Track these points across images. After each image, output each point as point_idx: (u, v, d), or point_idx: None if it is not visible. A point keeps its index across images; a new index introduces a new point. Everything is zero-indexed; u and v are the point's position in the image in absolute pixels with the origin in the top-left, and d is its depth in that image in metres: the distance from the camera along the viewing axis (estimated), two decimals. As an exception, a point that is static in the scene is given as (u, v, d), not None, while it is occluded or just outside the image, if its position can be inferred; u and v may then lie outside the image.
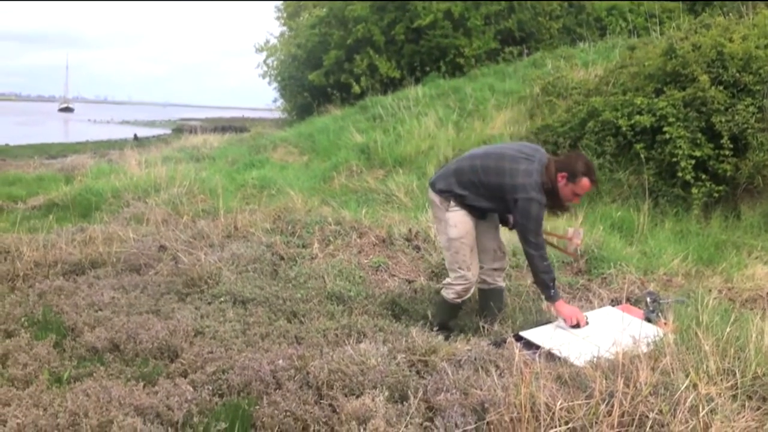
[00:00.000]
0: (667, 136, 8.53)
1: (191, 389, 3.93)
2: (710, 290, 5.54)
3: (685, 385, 3.17)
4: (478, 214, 4.91)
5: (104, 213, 9.68)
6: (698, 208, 8.16)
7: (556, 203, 4.64)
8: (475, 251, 4.94)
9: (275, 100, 33.57)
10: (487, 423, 3.17)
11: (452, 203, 4.84)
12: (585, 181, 4.52)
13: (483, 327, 4.96)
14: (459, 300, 5.02)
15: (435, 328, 4.79)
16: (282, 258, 6.83)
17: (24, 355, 4.58)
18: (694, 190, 8.24)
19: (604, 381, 3.26)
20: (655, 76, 9.82)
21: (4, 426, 3.50)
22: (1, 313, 5.42)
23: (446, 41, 22.71)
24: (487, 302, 5.15)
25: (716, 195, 8.31)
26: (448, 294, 5.02)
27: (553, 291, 4.61)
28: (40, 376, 4.29)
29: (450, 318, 5.18)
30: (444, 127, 14.92)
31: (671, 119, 8.62)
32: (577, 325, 4.55)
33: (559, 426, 3.00)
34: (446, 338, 4.58)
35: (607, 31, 19.97)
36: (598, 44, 17.73)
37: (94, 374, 4.28)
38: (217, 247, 7.11)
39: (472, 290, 5.02)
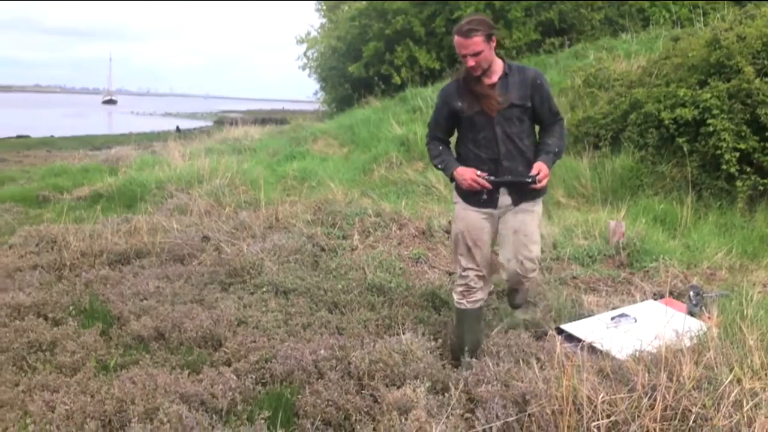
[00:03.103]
0: (711, 128, 8.38)
1: (235, 378, 3.99)
2: (755, 284, 5.46)
3: (729, 379, 3.13)
4: (478, 199, 4.28)
5: (148, 204, 9.80)
6: (743, 202, 8.01)
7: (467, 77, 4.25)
8: (480, 251, 4.31)
9: (316, 93, 33.66)
10: (529, 415, 3.17)
11: (455, 194, 4.48)
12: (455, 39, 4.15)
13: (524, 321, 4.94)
14: (463, 304, 4.37)
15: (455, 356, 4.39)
16: (323, 249, 6.88)
17: (71, 342, 4.69)
18: (739, 183, 8.10)
19: (646, 374, 3.23)
20: (698, 68, 9.63)
21: (53, 412, 3.58)
22: (49, 301, 5.53)
23: (486, 32, 22.57)
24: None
25: (761, 188, 8.15)
26: (453, 296, 4.52)
27: (440, 167, 4.37)
28: (87, 364, 4.39)
29: (463, 334, 4.39)
30: (485, 119, 14.82)
31: (715, 111, 8.46)
32: (477, 187, 4.13)
33: (601, 419, 2.99)
34: (455, 367, 4.20)
35: (650, 22, 19.62)
36: (641, 35, 17.44)
37: (140, 362, 4.37)
38: (258, 238, 7.18)
39: (479, 296, 4.36)
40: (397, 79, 23.64)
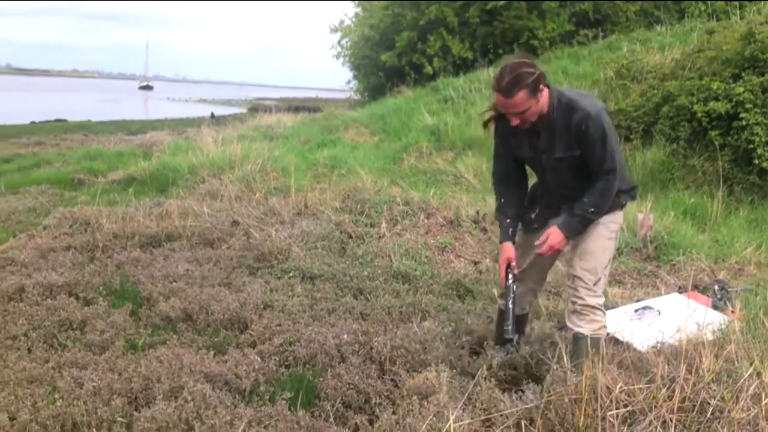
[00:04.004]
0: (744, 122, 8.31)
1: (259, 359, 4.07)
2: (782, 280, 5.43)
3: (749, 373, 3.12)
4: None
5: (180, 188, 9.92)
6: (775, 197, 7.97)
7: None
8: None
9: (348, 81, 33.68)
10: (547, 402, 3.20)
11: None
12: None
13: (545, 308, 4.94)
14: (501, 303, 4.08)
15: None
16: (350, 236, 6.94)
17: (101, 322, 4.81)
18: (771, 178, 8.05)
19: (666, 366, 3.23)
20: (732, 61, 9.54)
21: (81, 388, 3.69)
22: (81, 281, 5.64)
23: (520, 23, 22.38)
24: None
25: (794, 183, 8.10)
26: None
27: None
28: (116, 343, 4.50)
29: (502, 325, 3.99)
30: (516, 110, 14.78)
31: (748, 105, 8.39)
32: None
33: (618, 408, 3.01)
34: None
35: (686, 15, 19.35)
36: (676, 27, 17.21)
37: (167, 342, 4.47)
38: (287, 224, 7.26)
39: (507, 297, 3.87)
40: (429, 69, 23.57)
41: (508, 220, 3.88)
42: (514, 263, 3.83)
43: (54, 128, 25.14)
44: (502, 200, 3.91)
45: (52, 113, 31.88)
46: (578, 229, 3.68)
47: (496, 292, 4.39)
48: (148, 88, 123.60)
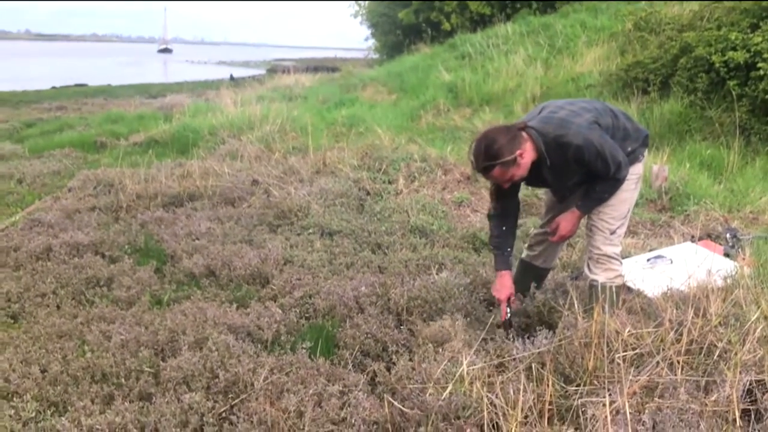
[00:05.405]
0: (762, 72, 8.24)
1: (280, 312, 4.21)
2: (796, 228, 5.46)
3: (756, 316, 3.19)
4: None
5: (201, 149, 10.04)
6: (792, 146, 7.94)
7: None
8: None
9: (366, 38, 33.53)
10: (558, 345, 3.29)
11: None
12: None
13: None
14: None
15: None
16: (368, 193, 7.03)
17: (127, 278, 4.96)
18: (789, 128, 8.02)
19: (674, 311, 3.30)
20: (751, 11, 9.44)
21: (109, 341, 3.84)
22: (106, 240, 5.80)
23: (538, -24, 22.19)
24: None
25: (811, 133, 8.07)
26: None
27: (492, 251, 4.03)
28: (142, 298, 4.65)
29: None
30: (533, 65, 14.73)
31: (766, 55, 8.32)
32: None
33: (626, 351, 3.09)
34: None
35: (706, -36, 19.06)
36: (695, -23, 17.02)
37: (192, 297, 4.62)
38: (306, 182, 7.36)
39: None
40: (446, 26, 23.45)
41: (509, 249, 3.93)
42: (513, 297, 3.90)
43: (75, 93, 25.29)
44: (496, 232, 3.95)
45: (72, 78, 32.06)
46: (595, 206, 3.77)
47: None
48: (167, 51, 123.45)
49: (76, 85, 29.19)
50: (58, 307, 4.58)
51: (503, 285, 3.88)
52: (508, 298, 3.89)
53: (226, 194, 7.23)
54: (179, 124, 12.15)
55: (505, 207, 3.93)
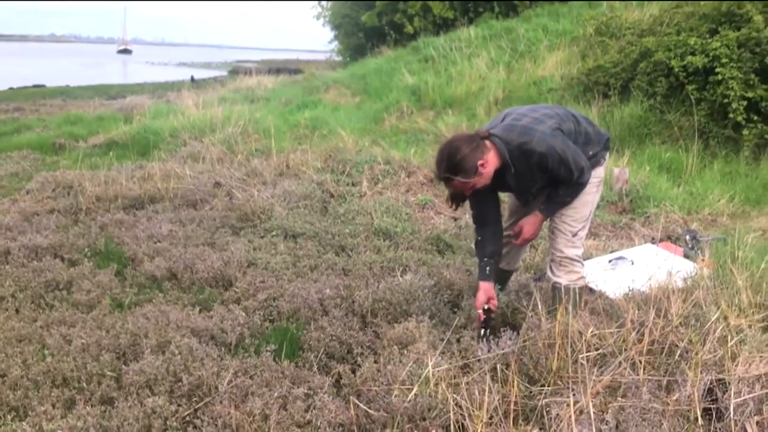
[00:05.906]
0: (720, 77, 8.41)
1: (244, 314, 4.18)
2: (753, 230, 5.56)
3: (716, 317, 3.24)
4: None
5: (162, 151, 9.95)
6: (748, 150, 8.09)
7: None
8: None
9: (330, 41, 33.47)
10: (522, 346, 3.31)
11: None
12: None
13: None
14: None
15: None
16: (332, 195, 7.02)
17: (87, 282, 4.88)
18: (745, 132, 8.15)
19: (636, 311, 3.36)
20: (709, 16, 9.64)
21: (70, 345, 3.78)
22: (66, 243, 5.71)
23: (500, -20, 22.33)
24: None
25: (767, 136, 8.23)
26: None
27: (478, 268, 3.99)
28: (102, 302, 4.58)
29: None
30: (495, 68, 14.84)
31: (724, 60, 8.49)
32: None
33: (590, 351, 3.13)
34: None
35: (666, -30, 19.37)
36: (655, -17, 17.30)
37: (153, 300, 4.56)
38: (269, 185, 7.33)
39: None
40: (409, 29, 23.47)
41: (486, 258, 3.91)
42: (494, 302, 3.88)
43: (32, 94, 24.87)
44: (480, 238, 3.95)
45: (30, 79, 31.52)
46: (557, 210, 3.82)
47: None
48: (126, 51, 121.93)
49: (34, 86, 28.73)
50: (17, 310, 4.49)
51: (483, 292, 3.85)
52: (486, 308, 3.86)
53: (187, 196, 7.17)
54: (140, 126, 12.00)
55: (483, 213, 3.93)
